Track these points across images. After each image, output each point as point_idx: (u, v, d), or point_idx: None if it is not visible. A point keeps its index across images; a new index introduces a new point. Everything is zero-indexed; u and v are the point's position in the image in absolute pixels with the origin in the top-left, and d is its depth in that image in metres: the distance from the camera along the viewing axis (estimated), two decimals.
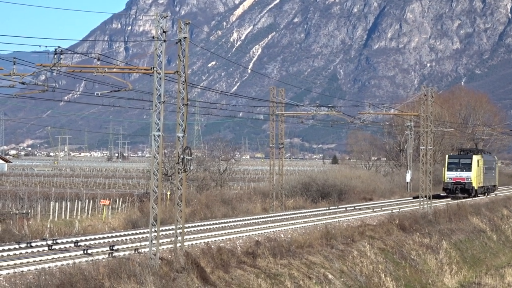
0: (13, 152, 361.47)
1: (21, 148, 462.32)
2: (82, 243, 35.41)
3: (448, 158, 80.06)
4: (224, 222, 47.74)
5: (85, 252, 32.23)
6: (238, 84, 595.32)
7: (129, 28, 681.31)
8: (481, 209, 67.50)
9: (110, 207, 60.94)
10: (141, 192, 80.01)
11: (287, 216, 53.96)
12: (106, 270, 26.44)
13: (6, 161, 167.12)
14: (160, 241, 30.31)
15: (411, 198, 79.31)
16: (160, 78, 29.02)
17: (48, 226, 45.81)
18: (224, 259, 31.52)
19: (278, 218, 52.46)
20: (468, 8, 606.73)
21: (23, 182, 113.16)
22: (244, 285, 30.42)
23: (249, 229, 43.72)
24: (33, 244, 33.91)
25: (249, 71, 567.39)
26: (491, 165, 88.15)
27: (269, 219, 51.52)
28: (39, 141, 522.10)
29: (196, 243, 35.95)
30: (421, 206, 61.66)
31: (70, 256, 31.07)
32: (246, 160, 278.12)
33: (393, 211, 59.86)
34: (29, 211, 57.50)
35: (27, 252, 32.21)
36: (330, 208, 63.00)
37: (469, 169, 78.25)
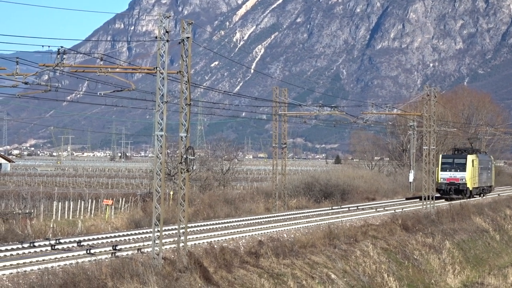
0: (16, 152, 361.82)
1: (24, 148, 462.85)
2: (85, 243, 35.40)
3: (442, 157, 77.36)
4: (227, 222, 47.72)
5: (88, 252, 32.22)
6: (241, 84, 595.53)
7: (132, 28, 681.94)
8: (484, 209, 67.45)
9: (113, 207, 60.98)
10: (144, 192, 79.99)
11: (290, 216, 53.93)
12: (109, 270, 26.43)
13: (9, 161, 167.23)
14: (163, 241, 30.31)
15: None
16: (163, 78, 29.01)
17: (51, 226, 45.84)
18: (227, 259, 31.51)
19: (281, 218, 52.43)
20: (471, 8, 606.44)
21: (26, 182, 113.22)
22: (247, 285, 30.41)
23: (252, 229, 43.68)
24: (36, 244, 33.91)
25: (252, 71, 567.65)
26: (487, 165, 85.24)
27: (272, 219, 51.50)
28: (42, 141, 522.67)
29: (199, 243, 35.93)
30: (424, 206, 61.62)
31: (73, 256, 31.07)
32: (249, 160, 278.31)
33: (396, 211, 59.84)
34: (32, 211, 57.58)
35: (30, 252, 32.21)
36: (333, 208, 62.94)
37: (464, 169, 75.57)
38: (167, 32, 28.86)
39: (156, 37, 28.96)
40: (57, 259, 30.03)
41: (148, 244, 34.24)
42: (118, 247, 33.37)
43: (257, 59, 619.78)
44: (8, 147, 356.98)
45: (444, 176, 75.70)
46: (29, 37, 67.26)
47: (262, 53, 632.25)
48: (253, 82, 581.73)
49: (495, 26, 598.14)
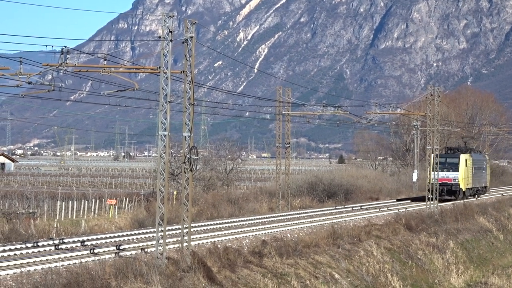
0: (19, 151, 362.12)
1: (28, 147, 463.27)
2: (88, 243, 35.43)
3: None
4: (231, 222, 47.74)
5: (91, 251, 32.25)
6: (244, 83, 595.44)
7: (136, 27, 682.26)
8: (487, 208, 67.33)
9: (116, 206, 61.02)
10: (147, 191, 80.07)
11: (294, 216, 53.94)
12: (113, 270, 26.43)
13: (13, 160, 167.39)
14: (167, 240, 30.31)
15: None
16: (166, 77, 29.01)
17: (55, 225, 45.84)
18: (231, 259, 31.50)
19: (285, 217, 52.45)
20: (474, 8, 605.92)
21: (29, 182, 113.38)
22: (250, 285, 30.39)
23: (256, 229, 43.70)
24: (39, 244, 33.93)
25: (256, 70, 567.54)
26: (481, 165, 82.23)
27: (275, 218, 51.51)
28: (45, 140, 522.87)
29: (202, 243, 35.95)
30: (428, 206, 61.59)
31: (76, 255, 31.08)
32: (253, 160, 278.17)
33: (399, 210, 59.81)
34: (36, 210, 57.61)
35: (33, 252, 32.24)
36: (337, 207, 62.93)
37: (456, 169, 72.64)
38: (170, 31, 28.85)
39: (159, 37, 28.95)
40: (60, 259, 30.05)
41: (151, 244, 34.24)
42: (121, 247, 33.39)
43: (260, 59, 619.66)
44: (11, 146, 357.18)
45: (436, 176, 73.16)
46: (33, 37, 67.19)
47: (265, 52, 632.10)
48: (256, 81, 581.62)
49: (499, 26, 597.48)
